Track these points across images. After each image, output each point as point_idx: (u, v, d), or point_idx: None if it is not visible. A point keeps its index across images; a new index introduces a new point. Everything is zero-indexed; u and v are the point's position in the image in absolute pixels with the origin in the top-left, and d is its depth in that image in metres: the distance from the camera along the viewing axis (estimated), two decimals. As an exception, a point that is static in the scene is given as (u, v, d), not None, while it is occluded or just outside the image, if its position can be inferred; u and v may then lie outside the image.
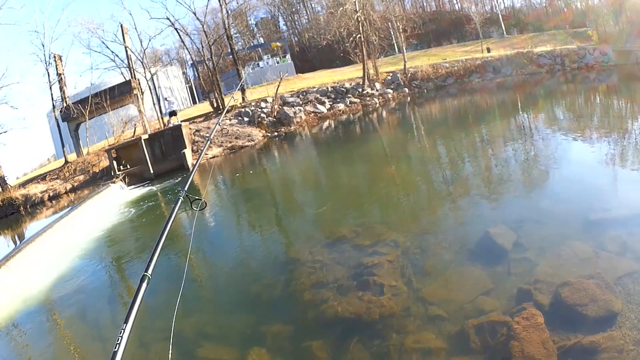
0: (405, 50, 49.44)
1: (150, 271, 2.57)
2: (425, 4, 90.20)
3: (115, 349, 2.11)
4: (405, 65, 47.06)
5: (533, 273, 6.82)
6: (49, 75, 42.74)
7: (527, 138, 17.88)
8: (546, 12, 77.56)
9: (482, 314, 6.13)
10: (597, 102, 25.94)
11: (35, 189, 34.64)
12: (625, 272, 6.32)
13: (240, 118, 39.70)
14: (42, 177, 37.96)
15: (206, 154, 32.90)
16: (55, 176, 36.97)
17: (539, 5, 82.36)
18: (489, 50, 53.31)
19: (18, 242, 21.25)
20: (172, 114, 37.89)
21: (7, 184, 37.63)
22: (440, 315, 6.37)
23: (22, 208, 32.74)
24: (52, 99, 43.19)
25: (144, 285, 2.47)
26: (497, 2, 79.99)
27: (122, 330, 2.21)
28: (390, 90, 44.93)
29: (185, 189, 3.79)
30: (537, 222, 8.69)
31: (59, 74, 42.94)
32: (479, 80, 44.75)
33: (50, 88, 42.86)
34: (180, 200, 3.59)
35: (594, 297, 5.77)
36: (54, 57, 42.84)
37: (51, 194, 33.60)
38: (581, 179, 11.12)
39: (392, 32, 57.11)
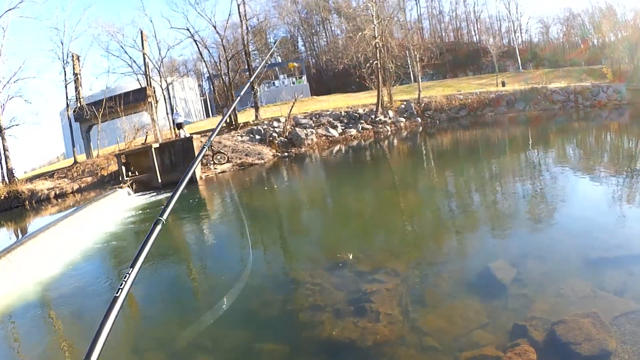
0: (420, 80, 49.60)
1: (165, 216, 2.46)
2: (444, 34, 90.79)
3: (117, 294, 1.97)
4: (419, 94, 47.24)
5: (530, 309, 6.82)
6: (65, 73, 43.22)
7: (534, 174, 17.90)
8: (562, 46, 77.94)
9: (475, 347, 6.12)
10: (606, 140, 25.99)
11: (42, 185, 34.91)
12: (621, 312, 6.30)
13: (252, 135, 39.85)
14: (50, 175, 38.32)
15: (215, 168, 33.01)
16: (63, 175, 37.26)
17: (555, 40, 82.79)
18: (503, 84, 53.50)
19: (20, 236, 21.38)
20: (179, 126, 37.91)
21: (14, 176, 37.95)
22: (434, 346, 6.36)
23: (27, 202, 33.06)
24: (67, 97, 43.64)
25: (157, 228, 2.36)
26: (514, 36, 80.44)
27: (127, 275, 2.06)
28: (402, 119, 45.01)
29: (211, 140, 3.76)
30: (537, 259, 8.70)
31: (75, 74, 43.29)
32: (492, 113, 44.84)
33: (66, 87, 43.31)
34: (204, 149, 3.56)
35: (589, 335, 5.75)
36: (72, 56, 43.24)
37: (57, 192, 33.85)
38: (584, 217, 11.11)
39: (408, 61, 57.34)
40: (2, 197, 33.52)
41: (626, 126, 30.93)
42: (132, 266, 2.11)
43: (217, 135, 39.50)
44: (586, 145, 25.09)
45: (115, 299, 1.95)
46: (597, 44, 65.24)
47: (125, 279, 2.04)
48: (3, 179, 38.04)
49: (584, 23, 72.91)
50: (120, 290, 1.99)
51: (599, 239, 9.23)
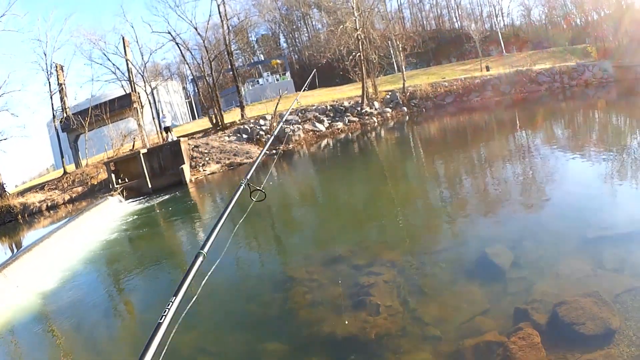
0: (404, 69, 49.53)
1: (206, 249, 2.59)
2: (425, 22, 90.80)
3: (161, 320, 2.06)
4: (404, 84, 47.24)
5: (530, 292, 6.78)
6: (50, 84, 43.05)
7: (524, 157, 17.91)
8: (545, 28, 78.09)
9: (478, 334, 6.07)
10: (594, 118, 26.09)
11: (34, 198, 34.86)
12: (623, 289, 6.28)
13: (239, 135, 39.73)
14: (40, 187, 38.18)
15: (204, 170, 32.88)
16: (54, 186, 37.14)
17: (538, 22, 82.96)
18: (488, 68, 53.58)
19: (15, 251, 21.29)
20: (167, 130, 37.63)
21: (5, 191, 37.83)
22: (437, 335, 6.31)
23: (20, 216, 33.12)
24: (53, 108, 43.45)
25: (198, 262, 2.50)
26: (496, 20, 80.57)
27: (171, 303, 2.18)
28: (389, 109, 45.00)
29: (248, 177, 3.74)
30: (534, 241, 8.67)
31: (60, 84, 43.08)
32: (478, 98, 44.92)
33: (51, 98, 43.13)
34: (241, 187, 3.67)
35: (592, 315, 5.71)
36: (56, 66, 43.05)
37: (49, 204, 33.81)
38: (579, 197, 11.11)
39: (391, 51, 57.27)
40: (-5, 213, 33.39)
41: (613, 103, 31.15)
42: (175, 294, 2.24)
43: (204, 137, 39.40)
44: (575, 124, 25.19)
45: (159, 325, 2.04)
46: (580, 24, 65.36)
47: (169, 307, 2.15)
48: (-6, 195, 37.82)
49: (565, 3, 73.04)
50: (163, 317, 2.09)
51: (595, 218, 9.22)
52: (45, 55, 42.53)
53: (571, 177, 13.26)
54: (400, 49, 49.77)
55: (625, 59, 41.78)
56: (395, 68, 61.84)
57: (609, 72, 41.93)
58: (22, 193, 37.98)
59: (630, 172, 12.56)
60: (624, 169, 13.00)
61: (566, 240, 8.48)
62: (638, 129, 20.23)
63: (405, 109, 45.26)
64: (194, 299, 2.42)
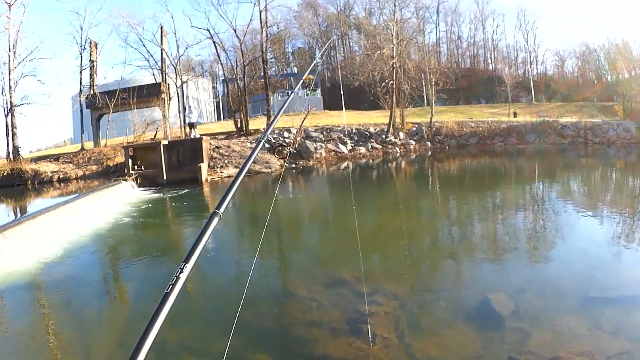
0: (433, 104, 49.62)
1: (222, 209, 2.37)
2: (460, 60, 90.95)
3: (168, 290, 1.84)
4: (431, 118, 47.38)
5: (525, 344, 6.77)
6: (81, 59, 43.64)
7: (537, 209, 17.91)
8: (577, 82, 77.95)
9: (469, 379, 6.11)
10: (610, 179, 26.06)
11: (47, 168, 35.29)
12: (616, 352, 6.32)
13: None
14: (55, 158, 38.73)
15: (221, 172, 33.00)
16: (69, 160, 37.58)
17: (570, 74, 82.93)
18: (515, 114, 53.61)
19: (19, 215, 21.50)
20: (191, 126, 37.85)
21: (19, 155, 38.19)
22: (428, 374, 6.34)
23: (29, 182, 33.73)
24: (81, 83, 43.93)
25: (214, 222, 2.27)
26: (530, 67, 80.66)
27: (180, 270, 1.91)
28: (412, 142, 45.11)
29: (267, 133, 3.62)
30: (537, 294, 8.66)
31: (91, 61, 43.53)
32: (502, 144, 44.92)
33: (81, 72, 43.68)
34: (261, 143, 3.48)
35: (582, 374, 5.76)
36: (90, 42, 43.58)
37: (61, 176, 34.34)
38: (585, 256, 11.11)
39: (423, 83, 57.35)
40: (5, 174, 34.13)
41: (632, 165, 31.10)
42: (186, 261, 1.98)
43: (226, 139, 39.54)
44: (592, 182, 25.16)
45: (167, 295, 1.84)
46: (611, 81, 65.22)
47: (177, 274, 1.91)
48: (8, 156, 38.29)
49: (599, 59, 73.01)
50: (171, 286, 1.87)
51: (598, 278, 9.28)
52: (82, 29, 43.29)
53: (580, 235, 13.29)
54: (433, 83, 49.91)
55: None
56: (425, 101, 61.98)
57: (633, 133, 41.98)
58: (35, 160, 38.43)
59: (638, 237, 12.61)
60: (633, 233, 13.05)
61: (567, 296, 8.49)
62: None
63: (429, 143, 45.36)
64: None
